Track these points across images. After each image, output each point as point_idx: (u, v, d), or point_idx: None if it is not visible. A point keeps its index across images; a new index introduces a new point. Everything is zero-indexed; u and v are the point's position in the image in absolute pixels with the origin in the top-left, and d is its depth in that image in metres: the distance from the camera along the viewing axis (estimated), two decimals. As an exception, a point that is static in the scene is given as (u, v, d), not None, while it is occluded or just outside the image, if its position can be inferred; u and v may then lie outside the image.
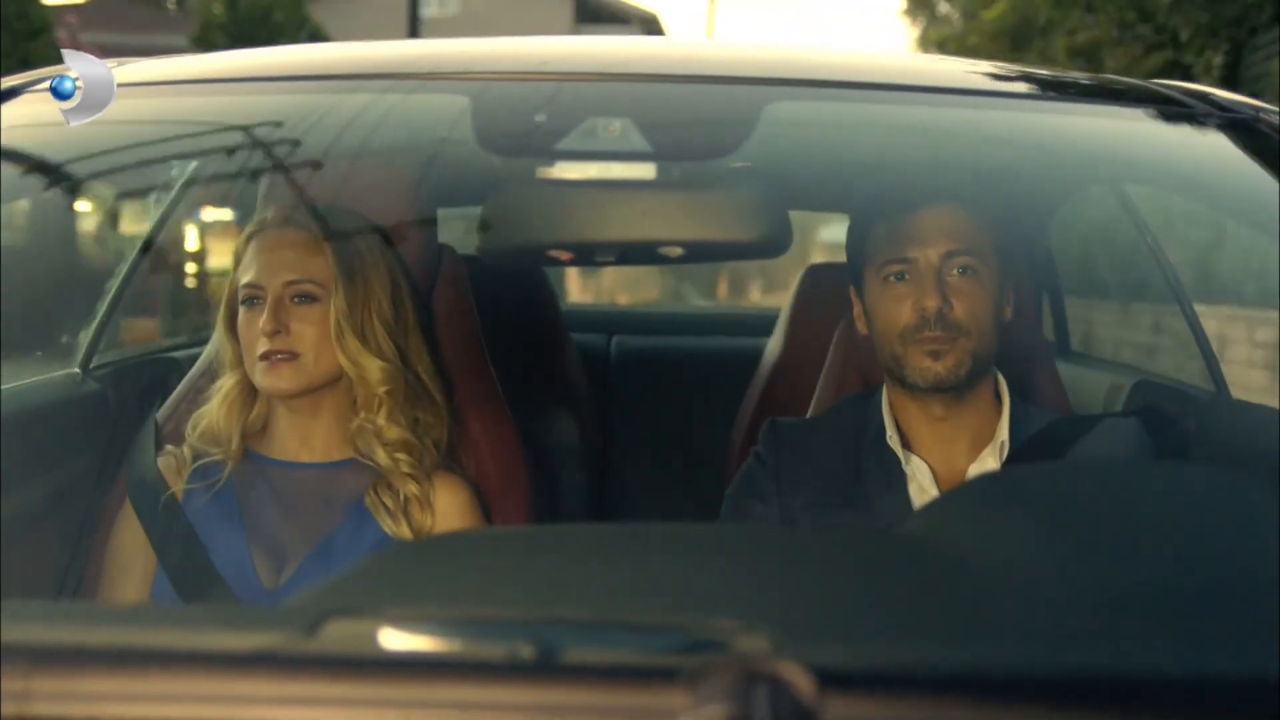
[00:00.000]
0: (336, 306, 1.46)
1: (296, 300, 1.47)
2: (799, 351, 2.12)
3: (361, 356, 1.47)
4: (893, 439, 1.53)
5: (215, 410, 1.52)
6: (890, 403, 1.56)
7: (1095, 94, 1.55)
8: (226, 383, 1.52)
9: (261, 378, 1.46)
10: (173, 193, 2.14)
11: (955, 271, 1.48)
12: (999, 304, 1.52)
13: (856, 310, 1.60)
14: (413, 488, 1.49)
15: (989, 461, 1.51)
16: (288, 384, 1.46)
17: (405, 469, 1.49)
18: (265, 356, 1.45)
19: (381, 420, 1.49)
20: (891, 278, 1.50)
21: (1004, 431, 1.52)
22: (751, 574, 0.80)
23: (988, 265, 1.50)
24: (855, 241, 1.58)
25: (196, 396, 1.61)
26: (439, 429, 1.54)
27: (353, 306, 1.47)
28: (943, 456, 1.53)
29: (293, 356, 1.45)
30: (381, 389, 1.48)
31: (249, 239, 1.51)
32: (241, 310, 1.48)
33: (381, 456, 1.49)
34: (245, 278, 1.48)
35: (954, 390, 1.50)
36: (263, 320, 1.45)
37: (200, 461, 1.51)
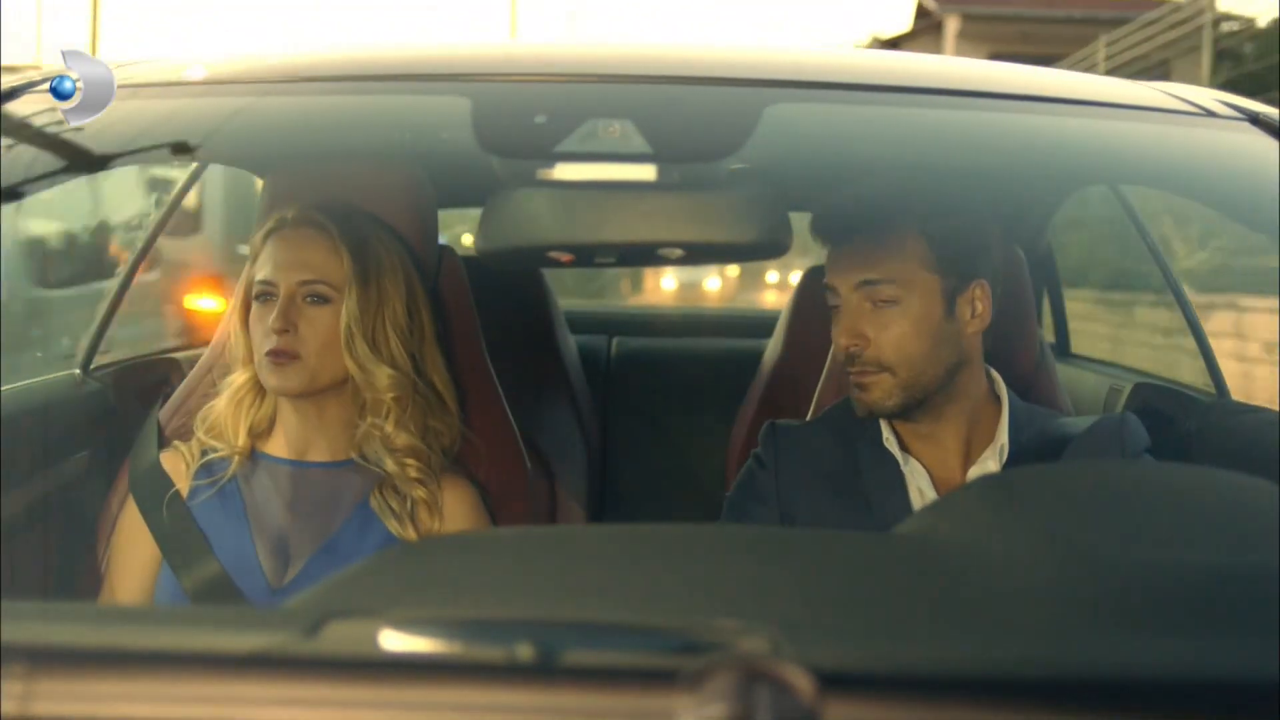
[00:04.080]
0: (349, 310, 1.46)
1: (309, 300, 1.47)
2: (799, 353, 2.12)
3: (369, 362, 1.47)
4: (890, 441, 1.53)
5: (224, 406, 1.52)
6: None
7: (1095, 95, 1.55)
8: (237, 379, 1.53)
9: (267, 375, 1.46)
10: (173, 195, 2.15)
11: (869, 304, 1.47)
12: (939, 326, 1.47)
13: None
14: (420, 492, 1.49)
15: (989, 464, 1.50)
16: (293, 383, 1.46)
17: (413, 474, 1.49)
18: (271, 354, 1.45)
19: (389, 427, 1.49)
20: (832, 306, 1.52)
21: (1003, 434, 1.51)
22: (751, 575, 0.80)
23: (919, 289, 1.46)
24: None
25: (203, 392, 1.62)
26: (449, 436, 1.54)
27: (365, 311, 1.47)
28: (940, 459, 1.52)
29: (296, 357, 1.45)
30: (389, 395, 1.48)
31: (266, 235, 1.51)
32: (254, 306, 1.49)
33: (389, 463, 1.49)
34: (260, 274, 1.48)
35: (897, 417, 1.50)
36: (272, 318, 1.45)
37: (206, 458, 1.51)
